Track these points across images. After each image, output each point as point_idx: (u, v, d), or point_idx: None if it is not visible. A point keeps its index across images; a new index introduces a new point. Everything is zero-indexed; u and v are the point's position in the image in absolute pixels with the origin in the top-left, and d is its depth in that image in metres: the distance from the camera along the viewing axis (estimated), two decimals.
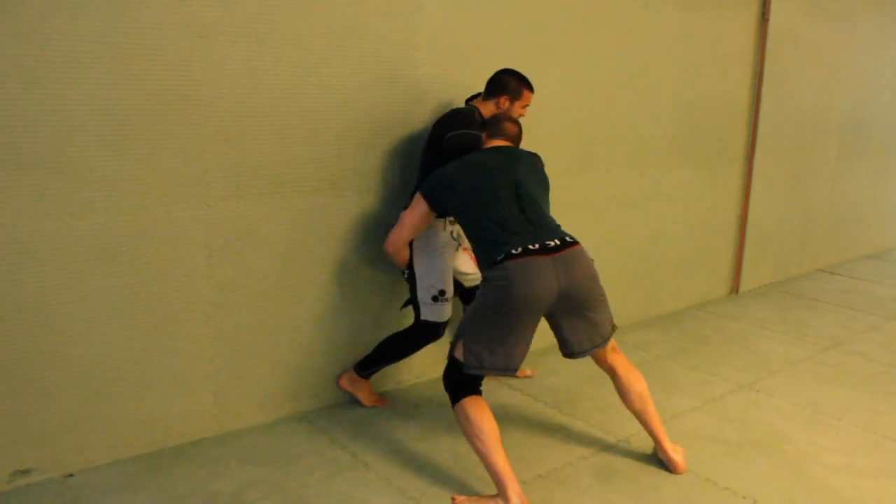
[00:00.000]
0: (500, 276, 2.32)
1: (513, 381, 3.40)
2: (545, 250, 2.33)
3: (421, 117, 3.12)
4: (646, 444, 2.82)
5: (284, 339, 2.92)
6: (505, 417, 2.99)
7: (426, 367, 3.40)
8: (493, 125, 2.74)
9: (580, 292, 2.39)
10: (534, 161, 2.68)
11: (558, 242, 2.38)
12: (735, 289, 5.16)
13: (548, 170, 3.26)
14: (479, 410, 2.38)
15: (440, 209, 2.65)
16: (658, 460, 2.70)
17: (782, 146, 5.22)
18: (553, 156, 3.41)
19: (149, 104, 2.43)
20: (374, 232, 3.07)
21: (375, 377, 3.15)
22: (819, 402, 3.32)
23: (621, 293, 4.29)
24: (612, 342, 2.59)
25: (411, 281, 2.91)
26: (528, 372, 3.50)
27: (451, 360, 2.46)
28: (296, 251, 2.87)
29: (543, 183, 2.66)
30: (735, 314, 4.67)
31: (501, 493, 2.32)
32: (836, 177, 5.89)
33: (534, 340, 2.43)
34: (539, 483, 2.56)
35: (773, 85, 4.94)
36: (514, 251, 2.32)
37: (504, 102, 2.92)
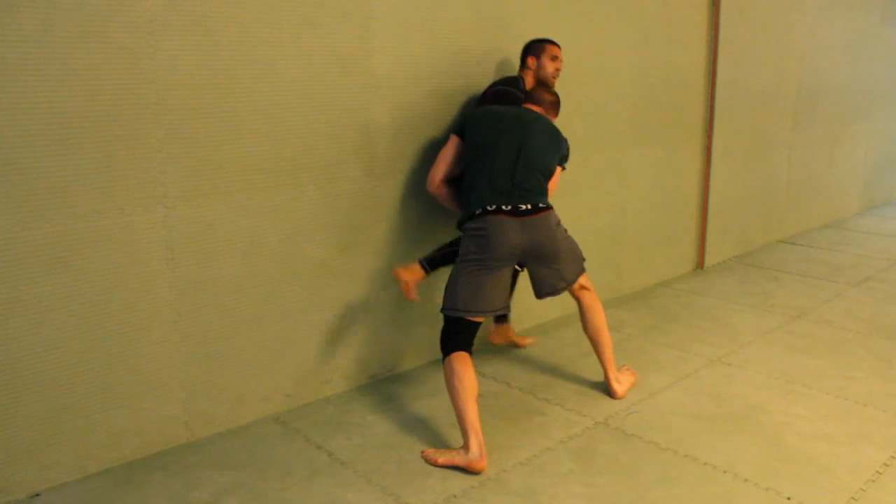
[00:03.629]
0: (479, 227, 2.68)
1: (486, 370, 3.37)
2: (517, 213, 2.67)
3: (378, 106, 3.06)
4: (624, 424, 2.83)
5: (252, 340, 2.85)
6: (481, 405, 2.94)
7: (395, 361, 3.36)
8: (530, 92, 3.08)
9: (542, 249, 2.73)
10: (551, 129, 2.88)
11: (530, 207, 2.69)
12: (700, 264, 5.20)
13: None
14: (463, 365, 2.61)
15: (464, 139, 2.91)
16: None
17: (740, 120, 5.26)
18: None
19: (97, 105, 2.33)
20: (339, 225, 3.01)
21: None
22: (790, 371, 3.36)
23: (589, 273, 4.28)
24: (583, 281, 3.02)
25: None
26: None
27: (444, 318, 2.72)
28: (260, 249, 2.80)
29: (555, 148, 2.86)
30: (702, 289, 4.71)
31: (465, 442, 2.54)
32: (792, 148, 5.97)
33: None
34: (520, 470, 2.54)
35: (727, 58, 4.96)
36: (489, 207, 2.67)
37: (532, 62, 3.26)
